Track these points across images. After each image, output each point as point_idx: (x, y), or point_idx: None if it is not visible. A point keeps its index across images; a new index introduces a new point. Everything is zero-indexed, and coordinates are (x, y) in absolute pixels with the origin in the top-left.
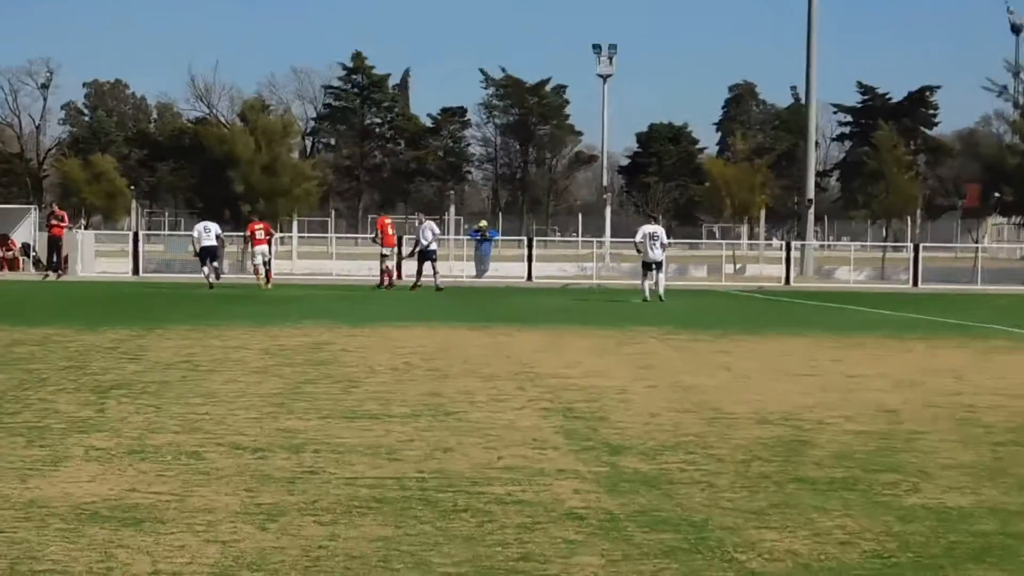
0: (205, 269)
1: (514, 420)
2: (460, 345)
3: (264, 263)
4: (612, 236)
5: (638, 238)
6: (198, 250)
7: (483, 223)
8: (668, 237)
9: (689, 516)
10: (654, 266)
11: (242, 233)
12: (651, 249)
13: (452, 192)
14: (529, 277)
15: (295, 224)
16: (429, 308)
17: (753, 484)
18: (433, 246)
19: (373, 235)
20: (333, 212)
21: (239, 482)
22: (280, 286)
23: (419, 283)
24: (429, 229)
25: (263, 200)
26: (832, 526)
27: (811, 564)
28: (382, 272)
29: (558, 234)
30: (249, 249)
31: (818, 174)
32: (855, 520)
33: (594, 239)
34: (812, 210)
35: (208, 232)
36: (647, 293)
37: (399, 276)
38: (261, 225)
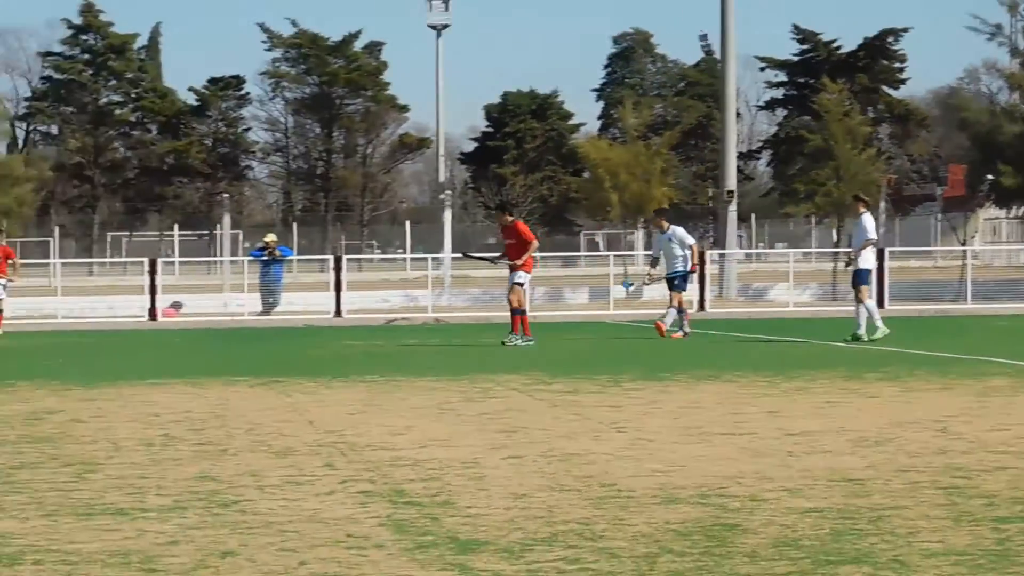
0: None
1: (320, 509)
2: (241, 408)
3: None
4: (455, 251)
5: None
6: None
7: (270, 238)
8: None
9: None
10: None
11: None
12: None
13: (226, 196)
14: (338, 311)
15: None
16: (197, 359)
17: None
18: None
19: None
20: (57, 229)
21: None
22: None
23: None
24: None
25: None
26: None
27: None
28: None
29: (377, 250)
30: None
31: (741, 156)
32: None
33: (428, 256)
34: (734, 206)
35: None
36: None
37: None
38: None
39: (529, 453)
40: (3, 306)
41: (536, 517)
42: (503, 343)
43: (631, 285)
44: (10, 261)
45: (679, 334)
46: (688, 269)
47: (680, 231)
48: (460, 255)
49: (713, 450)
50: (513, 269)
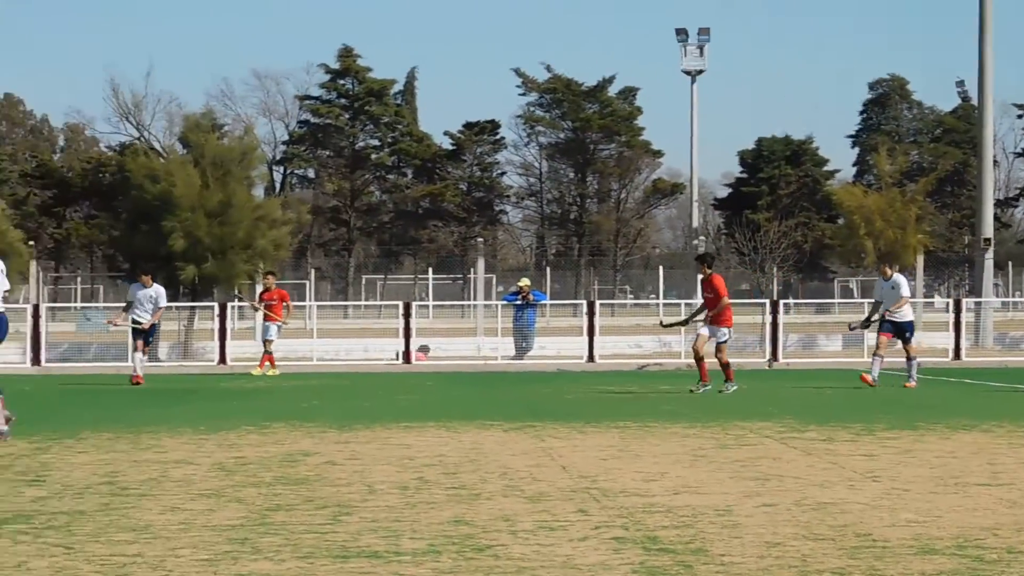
0: (138, 355)
1: (573, 555)
2: (494, 452)
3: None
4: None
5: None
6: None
7: (524, 282)
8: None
9: None
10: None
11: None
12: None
13: (480, 240)
14: (591, 356)
15: (258, 290)
16: (450, 402)
17: None
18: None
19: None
20: (313, 272)
21: None
22: (235, 376)
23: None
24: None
25: (212, 257)
26: None
27: None
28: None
29: (631, 296)
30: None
31: (998, 203)
32: None
33: (682, 302)
34: (991, 254)
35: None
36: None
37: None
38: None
39: (783, 501)
40: (271, 348)
41: (790, 566)
42: (719, 391)
43: (855, 328)
44: (285, 304)
45: (912, 383)
46: (908, 319)
47: (902, 280)
48: (659, 324)
49: (969, 500)
50: (714, 323)
